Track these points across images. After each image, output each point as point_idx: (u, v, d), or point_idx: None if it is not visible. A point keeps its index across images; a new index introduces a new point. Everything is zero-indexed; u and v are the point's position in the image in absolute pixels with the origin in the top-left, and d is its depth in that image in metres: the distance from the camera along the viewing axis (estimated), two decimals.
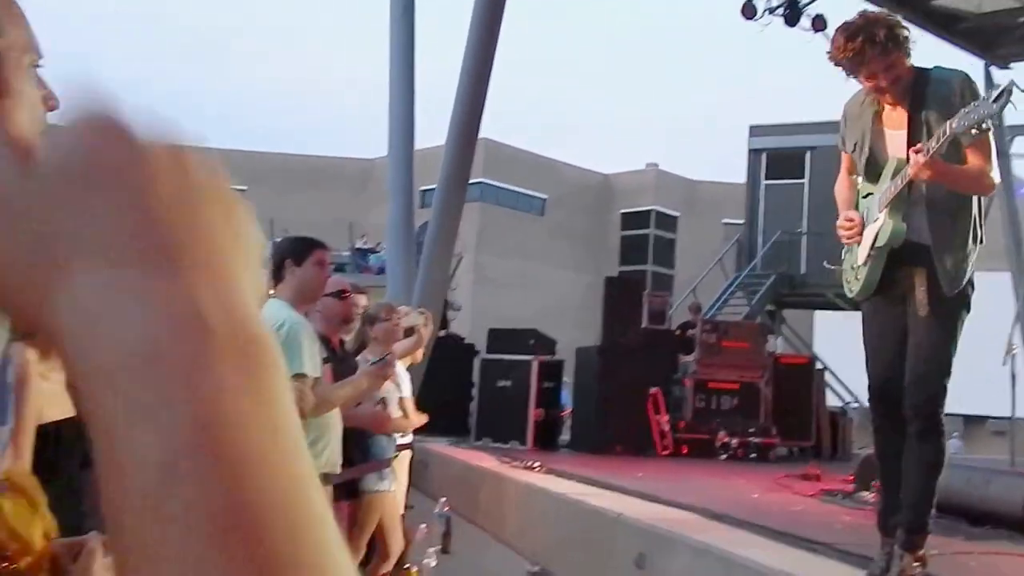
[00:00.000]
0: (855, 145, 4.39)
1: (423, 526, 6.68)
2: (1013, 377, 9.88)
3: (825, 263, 4.61)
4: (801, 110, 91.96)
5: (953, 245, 4.15)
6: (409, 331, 6.01)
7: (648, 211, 37.04)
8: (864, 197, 4.44)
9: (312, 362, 3.83)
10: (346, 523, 4.55)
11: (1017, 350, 9.98)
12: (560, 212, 36.25)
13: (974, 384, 10.01)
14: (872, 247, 4.23)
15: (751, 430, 13.26)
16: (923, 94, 4.21)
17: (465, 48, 13.53)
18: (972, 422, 22.97)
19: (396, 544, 5.20)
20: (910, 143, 4.10)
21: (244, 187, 34.09)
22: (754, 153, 21.48)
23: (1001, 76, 19.43)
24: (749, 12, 15.48)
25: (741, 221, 22.25)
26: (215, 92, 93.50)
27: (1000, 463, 9.80)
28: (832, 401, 18.34)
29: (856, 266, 4.36)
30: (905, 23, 4.27)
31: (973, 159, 4.11)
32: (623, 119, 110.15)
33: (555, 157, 37.53)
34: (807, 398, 14.39)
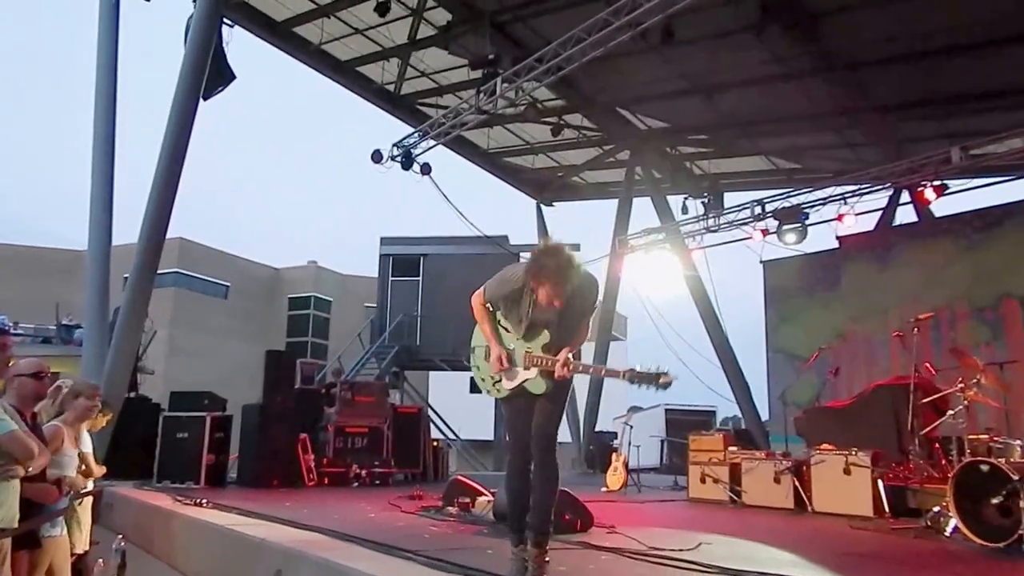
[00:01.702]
0: (518, 319, 4.50)
1: (100, 560, 6.12)
2: None
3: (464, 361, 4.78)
4: (418, 226, 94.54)
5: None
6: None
7: (309, 296, 36.68)
8: (507, 331, 4.60)
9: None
10: (25, 569, 4.07)
11: None
12: (240, 296, 35.32)
13: None
14: (520, 385, 4.46)
15: (376, 463, 13.34)
16: (570, 300, 4.31)
17: (158, 159, 12.93)
18: None
19: None
20: (557, 333, 4.43)
21: None
22: (384, 257, 21.84)
23: (548, 212, 20.97)
24: (377, 157, 15.67)
25: (375, 305, 22.40)
26: None
27: None
28: (437, 436, 18.69)
29: (501, 387, 4.55)
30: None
31: (583, 330, 4.48)
32: (290, 225, 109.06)
33: (237, 253, 36.58)
34: (418, 437, 14.69)
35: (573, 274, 4.22)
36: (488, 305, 4.66)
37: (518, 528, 4.51)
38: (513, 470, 4.60)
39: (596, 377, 4.44)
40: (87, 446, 5.18)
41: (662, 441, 18.97)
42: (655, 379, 4.15)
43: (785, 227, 14.60)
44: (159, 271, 13.84)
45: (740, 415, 18.49)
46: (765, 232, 15.10)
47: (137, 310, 12.86)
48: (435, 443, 16.19)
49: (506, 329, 4.62)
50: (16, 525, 3.55)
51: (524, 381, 4.44)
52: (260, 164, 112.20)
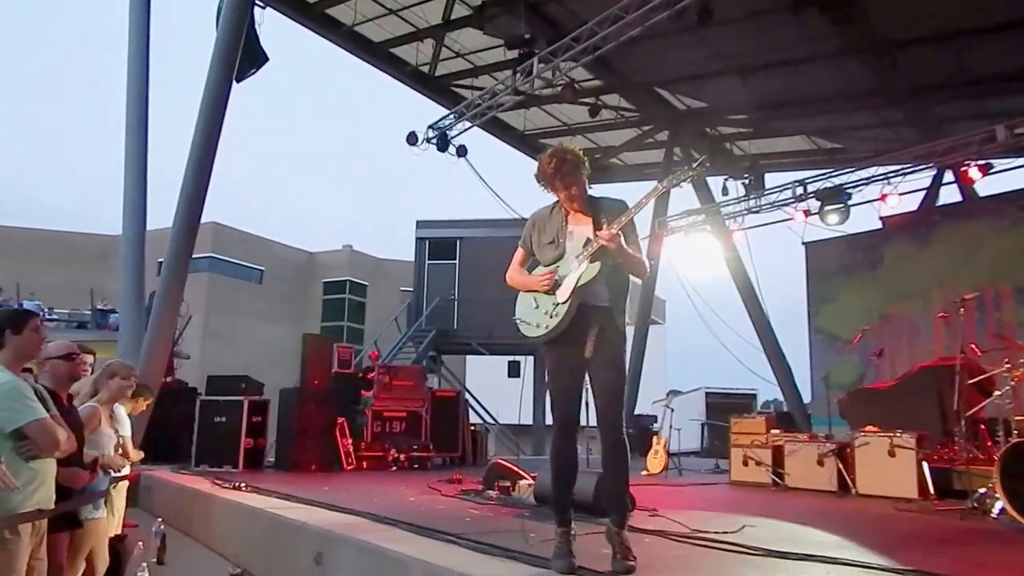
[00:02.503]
0: (552, 239, 4.42)
1: (140, 543, 6.21)
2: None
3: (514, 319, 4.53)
4: (454, 209, 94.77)
5: (621, 309, 4.31)
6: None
7: (344, 281, 36.83)
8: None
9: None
10: (66, 550, 4.12)
11: None
12: (275, 281, 35.58)
13: None
14: (576, 285, 4.24)
15: (414, 447, 13.40)
16: (599, 208, 4.34)
17: (191, 145, 13.01)
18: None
19: (102, 563, 4.75)
20: (596, 231, 4.24)
21: None
22: (420, 240, 21.84)
23: None
24: (412, 140, 15.77)
25: (412, 289, 22.45)
26: None
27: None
28: (475, 420, 18.73)
29: (556, 303, 4.29)
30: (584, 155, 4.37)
31: (634, 250, 4.31)
32: (325, 209, 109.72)
33: (271, 237, 36.84)
34: (456, 421, 14.78)
35: (579, 156, 4.29)
36: (521, 255, 4.65)
37: (562, 508, 4.42)
38: (559, 443, 4.42)
39: (641, 209, 4.25)
40: (126, 430, 5.24)
41: (702, 424, 18.90)
42: (692, 169, 4.21)
43: (827, 207, 14.42)
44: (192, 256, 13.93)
45: (781, 398, 18.35)
46: (807, 213, 14.92)
47: (173, 294, 12.98)
48: (473, 427, 16.26)
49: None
50: (52, 506, 3.57)
51: (578, 279, 4.25)
52: (293, 147, 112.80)
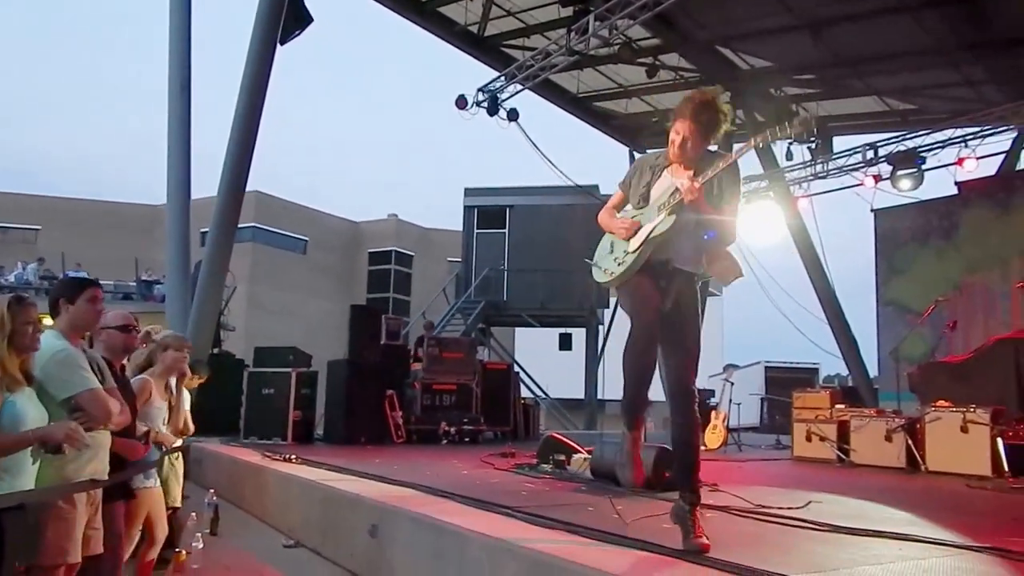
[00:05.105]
0: (647, 182, 4.35)
1: (193, 514, 6.39)
2: None
3: (586, 259, 4.50)
4: (503, 176, 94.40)
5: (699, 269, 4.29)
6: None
7: (390, 251, 37.06)
8: (633, 218, 4.40)
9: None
10: (122, 518, 4.26)
11: None
12: (319, 252, 35.86)
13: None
14: (648, 236, 4.19)
15: (465, 420, 13.58)
16: (705, 165, 4.19)
17: (235, 111, 13.16)
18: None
19: (161, 532, 4.90)
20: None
21: (39, 227, 32.32)
22: (468, 209, 21.92)
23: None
24: (461, 103, 15.73)
25: (460, 259, 22.56)
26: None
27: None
28: (526, 394, 18.84)
29: (627, 251, 4.26)
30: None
31: (728, 211, 4.20)
32: (370, 177, 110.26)
33: (315, 207, 37.09)
34: (507, 394, 14.92)
35: (712, 109, 4.16)
36: (618, 197, 4.57)
37: (636, 408, 4.33)
38: (640, 344, 4.19)
39: (729, 164, 4.12)
40: (186, 404, 5.37)
41: (762, 399, 18.84)
42: (792, 127, 4.02)
43: (900, 172, 14.26)
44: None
45: (843, 372, 18.21)
46: (877, 178, 14.77)
47: (218, 265, 13.16)
48: (524, 401, 16.37)
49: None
50: (106, 477, 3.67)
51: (652, 229, 4.20)
52: (338, 114, 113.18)
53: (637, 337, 4.19)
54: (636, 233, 4.27)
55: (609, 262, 4.38)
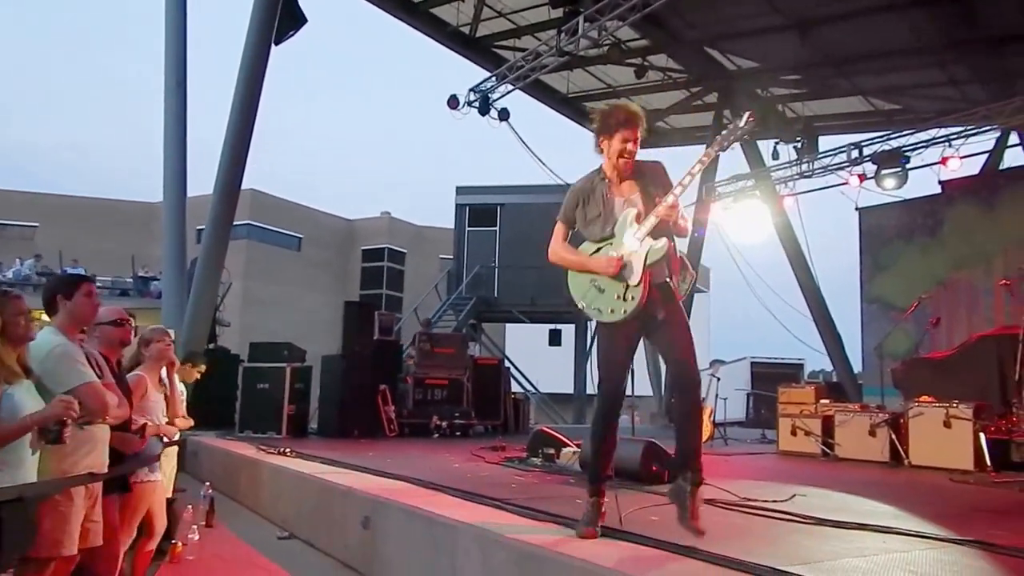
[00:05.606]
0: (599, 213, 4.29)
1: (189, 507, 6.40)
2: None
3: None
4: (494, 175, 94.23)
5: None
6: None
7: (383, 248, 37.03)
8: (597, 251, 4.33)
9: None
10: (119, 510, 4.26)
11: None
12: (313, 248, 35.80)
13: None
14: (646, 265, 4.13)
15: (456, 414, 13.64)
16: (643, 175, 4.25)
17: (230, 110, 13.15)
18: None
19: (160, 524, 4.91)
20: (645, 202, 4.17)
21: (36, 224, 32.19)
22: (460, 207, 21.95)
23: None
24: (453, 103, 15.69)
25: (452, 257, 22.57)
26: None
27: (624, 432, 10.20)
28: (516, 389, 18.87)
29: (628, 286, 4.15)
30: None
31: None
32: (363, 176, 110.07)
33: (309, 205, 37.03)
34: (498, 389, 14.98)
35: (636, 109, 4.20)
36: (563, 230, 4.49)
37: (598, 478, 4.37)
38: (605, 415, 4.36)
39: (694, 179, 4.19)
40: (180, 392, 5.38)
41: (748, 394, 18.88)
42: (742, 128, 4.13)
43: (884, 171, 14.27)
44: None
45: (828, 368, 18.26)
46: (862, 177, 14.78)
47: (214, 261, 13.20)
48: (514, 396, 16.41)
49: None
50: (105, 470, 3.67)
51: (645, 258, 4.13)
52: (331, 114, 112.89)
53: (603, 401, 4.36)
54: (625, 267, 4.19)
55: (610, 301, 4.26)
